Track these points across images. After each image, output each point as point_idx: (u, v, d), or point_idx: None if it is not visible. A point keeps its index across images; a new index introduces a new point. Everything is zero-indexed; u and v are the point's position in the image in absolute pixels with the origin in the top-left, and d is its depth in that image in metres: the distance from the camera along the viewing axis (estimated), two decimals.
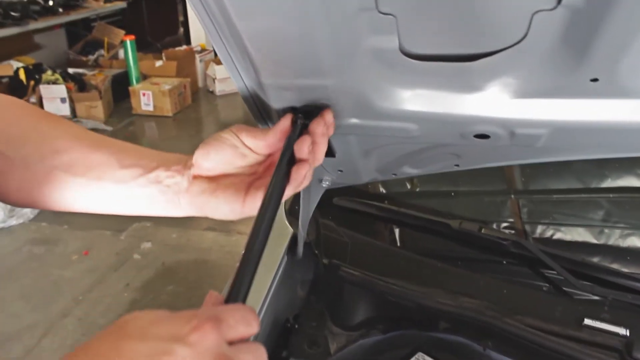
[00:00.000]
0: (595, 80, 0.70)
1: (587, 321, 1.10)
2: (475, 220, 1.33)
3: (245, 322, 0.53)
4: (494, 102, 0.77)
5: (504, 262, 1.29)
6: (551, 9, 0.60)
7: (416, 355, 1.19)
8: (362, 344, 1.23)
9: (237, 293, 0.59)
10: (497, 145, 0.86)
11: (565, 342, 1.02)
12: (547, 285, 1.24)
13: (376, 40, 0.68)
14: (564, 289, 1.22)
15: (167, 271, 3.63)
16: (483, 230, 1.25)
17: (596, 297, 1.18)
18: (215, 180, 0.77)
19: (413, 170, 1.08)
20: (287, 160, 0.74)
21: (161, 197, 0.78)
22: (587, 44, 0.64)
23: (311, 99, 0.80)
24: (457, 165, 1.04)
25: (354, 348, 1.22)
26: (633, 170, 1.61)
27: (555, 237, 1.53)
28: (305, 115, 0.79)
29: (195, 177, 0.77)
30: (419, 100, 0.78)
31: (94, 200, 0.78)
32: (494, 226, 1.53)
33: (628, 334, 1.06)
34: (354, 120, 0.85)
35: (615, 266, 1.40)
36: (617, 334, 1.06)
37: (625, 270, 1.36)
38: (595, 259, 1.42)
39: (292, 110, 0.81)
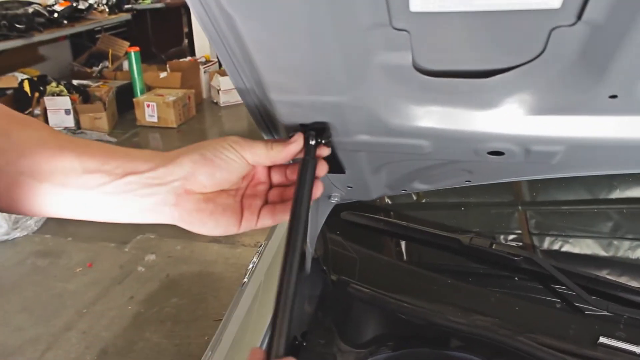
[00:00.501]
0: (614, 97, 0.68)
1: (602, 339, 1.08)
2: (485, 235, 1.31)
3: None
4: (509, 118, 0.75)
5: (516, 278, 1.27)
6: (571, 25, 0.59)
7: None
8: None
9: (278, 345, 0.59)
10: (511, 162, 0.85)
11: None
12: (560, 301, 1.21)
13: (389, 56, 0.67)
14: (577, 305, 1.20)
15: (171, 283, 3.61)
16: (494, 246, 1.23)
17: (610, 314, 1.15)
18: (212, 200, 0.75)
19: (424, 186, 1.06)
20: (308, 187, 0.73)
21: (138, 206, 0.73)
22: (606, 60, 0.62)
23: (321, 115, 0.79)
24: (469, 181, 1.02)
25: None
26: None
27: (563, 249, 1.51)
28: (316, 132, 0.78)
29: (188, 193, 0.73)
30: (431, 116, 0.77)
31: (65, 207, 0.72)
32: (502, 238, 1.51)
33: None
34: (365, 137, 0.83)
35: (624, 279, 1.38)
36: (634, 353, 1.04)
37: (635, 283, 1.34)
38: (604, 272, 1.41)
39: (302, 126, 0.80)
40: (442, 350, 1.16)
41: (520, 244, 1.50)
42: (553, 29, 0.60)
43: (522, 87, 0.70)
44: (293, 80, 0.72)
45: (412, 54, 0.66)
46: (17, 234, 4.21)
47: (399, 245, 1.49)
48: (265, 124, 0.89)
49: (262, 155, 0.75)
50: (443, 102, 0.75)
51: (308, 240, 1.21)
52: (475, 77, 0.69)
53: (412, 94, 0.74)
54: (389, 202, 1.63)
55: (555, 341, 1.05)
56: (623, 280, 1.36)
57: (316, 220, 1.16)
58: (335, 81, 0.71)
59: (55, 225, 4.37)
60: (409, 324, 1.18)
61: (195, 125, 6.96)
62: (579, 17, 0.57)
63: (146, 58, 7.58)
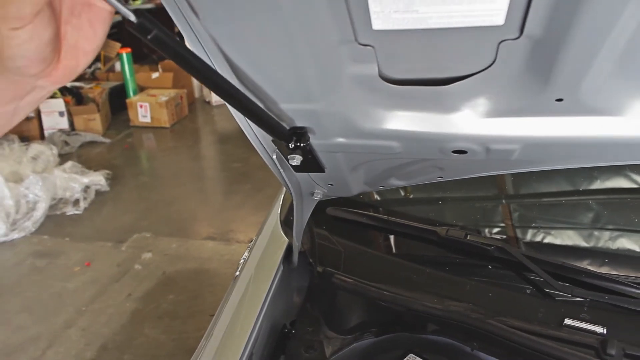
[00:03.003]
0: (560, 100, 0.77)
1: (567, 321, 1.17)
2: (463, 227, 1.39)
3: None
4: (468, 121, 0.83)
5: (489, 266, 1.35)
6: (515, 38, 0.67)
7: (408, 357, 1.25)
8: (356, 347, 1.29)
9: None
10: (474, 159, 0.93)
11: (545, 342, 1.08)
12: (531, 287, 1.30)
13: (357, 68, 0.75)
14: (547, 291, 1.28)
15: (167, 280, 3.69)
16: (469, 237, 1.31)
17: (577, 299, 1.24)
18: None
19: (399, 182, 1.15)
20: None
21: None
22: (549, 68, 0.71)
23: (300, 120, 0.87)
24: (441, 177, 1.11)
25: (349, 351, 1.29)
26: (622, 171, 1.64)
27: (545, 240, 1.56)
28: (296, 136, 0.86)
29: None
30: (399, 120, 0.85)
31: None
32: (486, 231, 1.58)
33: (605, 332, 1.12)
34: (341, 140, 0.92)
35: (605, 268, 1.45)
36: (595, 333, 1.13)
37: (611, 271, 1.42)
38: (585, 262, 1.47)
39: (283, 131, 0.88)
40: (420, 334, 1.24)
41: (505, 236, 1.57)
42: (500, 42, 0.68)
43: (478, 93, 0.79)
44: (273, 90, 0.81)
45: (378, 65, 0.75)
46: (15, 235, 4.28)
47: (382, 238, 1.57)
48: (251, 129, 0.97)
49: None
50: (408, 107, 0.83)
51: (294, 235, 1.29)
52: (435, 85, 0.77)
53: (380, 100, 0.82)
54: (378, 197, 1.71)
55: (523, 323, 1.14)
56: (604, 269, 1.43)
57: (301, 216, 1.24)
58: (310, 90, 0.79)
59: (53, 226, 4.44)
60: (390, 311, 1.27)
61: (189, 125, 7.03)
62: (521, 31, 0.65)
63: (138, 59, 7.63)
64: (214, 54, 0.76)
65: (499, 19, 0.63)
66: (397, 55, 0.73)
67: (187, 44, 0.76)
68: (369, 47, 0.71)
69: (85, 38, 0.62)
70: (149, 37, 0.54)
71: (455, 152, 0.91)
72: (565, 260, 1.33)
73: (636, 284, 1.21)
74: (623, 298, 1.19)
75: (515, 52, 0.69)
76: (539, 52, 0.68)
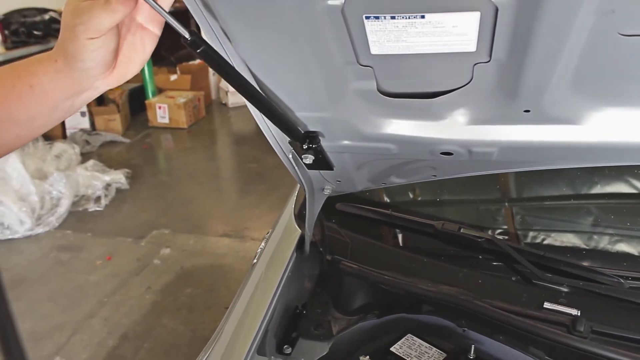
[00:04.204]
0: (527, 111, 0.93)
1: (546, 304, 1.32)
2: (457, 222, 1.55)
3: None
4: (452, 127, 1.00)
5: (480, 257, 1.51)
6: (486, 62, 0.83)
7: (406, 337, 1.42)
8: (360, 327, 1.45)
9: None
10: (461, 160, 1.09)
11: (524, 320, 1.24)
12: (517, 276, 1.46)
13: (359, 84, 0.92)
14: (530, 278, 1.44)
15: (185, 275, 3.87)
16: (462, 230, 1.47)
17: (556, 286, 1.39)
18: None
19: (399, 179, 1.32)
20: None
21: None
22: (515, 85, 0.87)
23: (313, 125, 1.04)
24: (435, 176, 1.27)
25: (353, 330, 1.45)
26: (622, 176, 1.71)
27: (546, 242, 1.65)
28: (309, 139, 1.03)
29: None
30: (394, 126, 1.02)
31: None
32: (489, 232, 1.68)
33: (579, 314, 1.28)
34: (346, 142, 1.08)
35: (598, 266, 1.56)
36: (570, 315, 1.28)
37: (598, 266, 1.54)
38: (585, 263, 1.55)
39: (298, 134, 1.05)
40: (417, 315, 1.40)
41: (507, 237, 1.69)
42: (475, 64, 0.84)
43: (459, 105, 0.95)
44: (290, 101, 0.98)
45: (377, 82, 0.92)
46: (40, 229, 4.48)
47: (385, 231, 1.73)
48: (269, 130, 1.13)
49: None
50: (402, 116, 1.00)
51: (307, 226, 1.46)
52: (424, 97, 0.94)
53: (379, 110, 0.99)
54: (388, 200, 1.85)
55: (506, 305, 1.30)
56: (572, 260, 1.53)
57: (313, 210, 1.41)
58: (321, 101, 0.96)
59: (75, 222, 4.64)
60: (390, 294, 1.43)
61: (205, 126, 7.23)
62: (490, 56, 0.82)
63: (156, 61, 7.84)
64: (243, 70, 0.93)
65: (471, 46, 0.79)
66: (392, 73, 0.90)
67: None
68: (369, 68, 0.88)
69: (136, 52, 0.82)
70: (198, 51, 0.73)
71: (443, 153, 1.07)
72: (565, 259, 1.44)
73: (609, 274, 1.37)
74: (596, 284, 1.34)
75: (487, 72, 0.86)
76: (506, 72, 0.85)
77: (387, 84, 0.93)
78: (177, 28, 0.71)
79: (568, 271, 1.40)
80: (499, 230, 1.71)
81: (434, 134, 1.01)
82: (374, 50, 0.83)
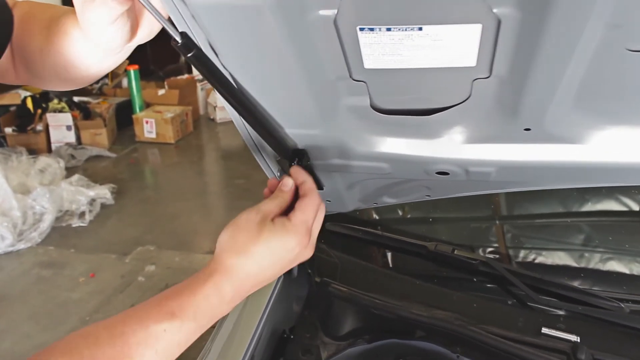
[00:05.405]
0: (528, 129, 0.88)
1: (544, 330, 1.27)
2: (450, 243, 1.50)
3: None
4: (449, 146, 0.95)
5: (475, 279, 1.46)
6: (486, 77, 0.79)
7: None
8: (350, 352, 1.39)
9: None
10: (457, 180, 1.05)
11: (522, 347, 1.19)
12: (513, 300, 1.41)
13: (352, 99, 0.87)
14: (528, 303, 1.39)
15: None
16: (456, 252, 1.42)
17: (554, 310, 1.34)
18: None
19: (391, 199, 1.27)
20: None
21: None
22: (516, 102, 0.82)
23: (302, 143, 0.99)
24: (429, 196, 1.22)
25: (343, 356, 1.38)
26: (612, 194, 1.70)
27: (537, 260, 1.64)
28: (297, 157, 0.98)
29: None
30: (388, 144, 0.97)
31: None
32: (480, 251, 1.67)
33: (579, 340, 1.23)
34: (337, 161, 1.03)
35: (596, 288, 1.53)
36: (569, 341, 1.23)
37: (596, 288, 1.51)
38: (576, 282, 1.54)
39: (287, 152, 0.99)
40: (408, 341, 1.35)
41: (497, 255, 1.67)
42: (474, 80, 0.80)
43: (456, 122, 0.90)
44: (280, 117, 0.92)
45: (370, 97, 0.87)
46: (22, 245, 4.38)
47: (376, 252, 1.68)
48: (256, 147, 1.08)
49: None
50: (396, 134, 0.95)
51: None
52: (419, 115, 0.89)
53: (371, 127, 0.94)
54: (377, 217, 1.81)
55: (503, 330, 1.24)
56: (595, 288, 1.51)
57: None
58: (311, 118, 0.91)
59: (59, 237, 4.55)
60: (381, 318, 1.37)
61: (193, 141, 7.17)
62: (491, 72, 0.77)
63: (145, 75, 7.80)
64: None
65: (471, 61, 0.75)
66: (385, 89, 0.85)
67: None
68: (361, 83, 0.83)
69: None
70: (189, 55, 0.68)
71: (438, 173, 1.02)
72: (556, 279, 1.41)
73: (609, 298, 1.32)
74: (595, 309, 1.29)
75: (487, 88, 0.81)
76: (507, 89, 0.80)
77: (380, 100, 0.88)
78: (169, 29, 0.68)
79: (565, 295, 1.35)
80: (489, 249, 1.68)
81: (429, 153, 0.97)
82: (368, 64, 0.78)
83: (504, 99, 0.83)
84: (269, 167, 1.11)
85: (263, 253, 0.81)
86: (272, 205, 0.86)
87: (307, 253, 0.88)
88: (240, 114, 0.84)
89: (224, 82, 0.77)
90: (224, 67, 0.81)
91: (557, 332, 1.26)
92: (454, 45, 0.72)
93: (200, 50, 0.71)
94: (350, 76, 0.81)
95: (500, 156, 0.96)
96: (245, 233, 0.82)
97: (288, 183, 0.89)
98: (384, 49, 0.73)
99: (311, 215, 0.87)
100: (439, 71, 0.78)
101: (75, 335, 0.70)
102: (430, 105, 0.88)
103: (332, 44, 0.74)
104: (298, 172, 0.91)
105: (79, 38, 0.83)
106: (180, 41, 0.68)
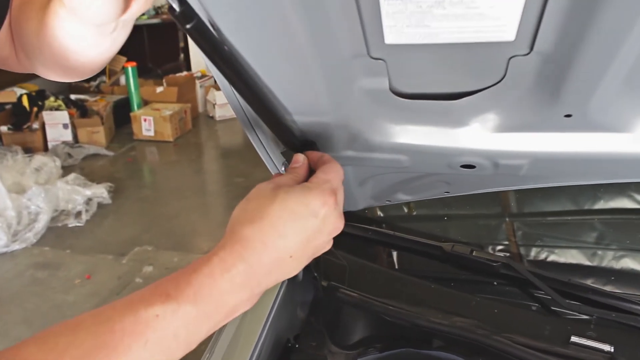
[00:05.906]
0: (569, 116, 0.77)
1: (573, 338, 1.16)
2: (468, 243, 1.39)
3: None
4: (477, 135, 0.84)
5: (495, 283, 1.35)
6: (525, 55, 0.68)
7: None
8: None
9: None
10: (483, 174, 0.93)
11: (550, 358, 1.08)
12: (537, 304, 1.30)
13: (369, 81, 0.76)
14: (553, 308, 1.28)
15: None
16: (474, 253, 1.31)
17: (584, 316, 1.23)
18: None
19: (406, 197, 1.15)
20: None
21: None
22: (559, 85, 0.71)
23: (311, 133, 0.88)
24: (448, 192, 1.11)
25: None
26: (625, 191, 1.64)
27: (549, 259, 1.56)
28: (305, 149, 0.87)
29: None
30: (408, 134, 0.86)
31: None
32: (490, 249, 1.58)
33: (612, 350, 1.12)
34: (350, 153, 0.92)
35: (608, 287, 1.45)
36: (602, 350, 1.12)
37: (616, 290, 1.41)
38: (589, 281, 1.46)
39: (293, 143, 0.88)
40: (425, 350, 1.24)
41: (508, 254, 1.57)
42: (510, 58, 0.69)
43: (487, 108, 0.79)
44: (287, 101, 0.81)
45: (389, 79, 0.75)
46: (16, 246, 4.27)
47: (386, 253, 1.57)
48: (258, 139, 0.97)
49: None
50: (418, 121, 0.84)
51: None
52: (445, 99, 0.78)
53: (390, 114, 0.83)
54: (381, 214, 1.71)
55: (529, 340, 1.13)
56: (608, 288, 1.42)
57: None
58: (322, 103, 0.80)
59: (54, 238, 4.44)
60: (394, 326, 1.26)
61: (192, 139, 7.05)
62: (532, 48, 0.66)
63: (143, 73, 7.67)
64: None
65: (509, 34, 0.64)
66: (408, 69, 0.74)
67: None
68: (380, 61, 0.72)
69: None
70: (188, 26, 0.57)
71: (463, 166, 0.91)
72: (570, 277, 1.32)
73: None
74: (631, 316, 1.18)
75: (525, 68, 0.70)
76: (548, 68, 0.69)
77: (401, 82, 0.77)
78: None
79: (594, 299, 1.24)
80: (499, 247, 1.60)
81: (454, 144, 0.85)
82: (389, 38, 0.67)
83: (543, 81, 0.72)
84: (272, 161, 1.00)
85: (280, 213, 0.66)
86: (285, 178, 0.74)
87: (338, 222, 0.71)
88: (243, 96, 0.73)
89: (226, 59, 0.66)
90: (226, 44, 0.70)
91: (589, 341, 1.15)
92: (490, 15, 0.61)
93: (201, 20, 0.59)
94: (368, 53, 0.70)
95: (535, 147, 0.85)
96: (257, 200, 0.70)
97: (299, 159, 0.77)
98: (409, 20, 0.62)
99: (335, 176, 0.72)
100: (470, 47, 0.67)
101: (60, 322, 0.59)
102: (457, 89, 0.77)
103: (349, 14, 0.63)
104: (312, 153, 0.79)
105: (66, 16, 0.73)
106: (178, 9, 0.56)
